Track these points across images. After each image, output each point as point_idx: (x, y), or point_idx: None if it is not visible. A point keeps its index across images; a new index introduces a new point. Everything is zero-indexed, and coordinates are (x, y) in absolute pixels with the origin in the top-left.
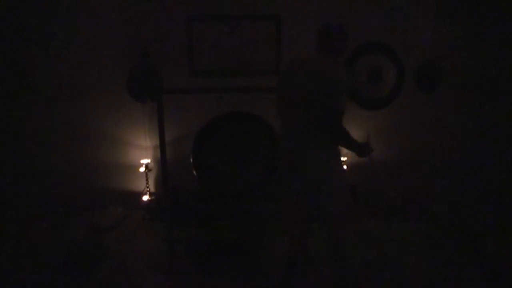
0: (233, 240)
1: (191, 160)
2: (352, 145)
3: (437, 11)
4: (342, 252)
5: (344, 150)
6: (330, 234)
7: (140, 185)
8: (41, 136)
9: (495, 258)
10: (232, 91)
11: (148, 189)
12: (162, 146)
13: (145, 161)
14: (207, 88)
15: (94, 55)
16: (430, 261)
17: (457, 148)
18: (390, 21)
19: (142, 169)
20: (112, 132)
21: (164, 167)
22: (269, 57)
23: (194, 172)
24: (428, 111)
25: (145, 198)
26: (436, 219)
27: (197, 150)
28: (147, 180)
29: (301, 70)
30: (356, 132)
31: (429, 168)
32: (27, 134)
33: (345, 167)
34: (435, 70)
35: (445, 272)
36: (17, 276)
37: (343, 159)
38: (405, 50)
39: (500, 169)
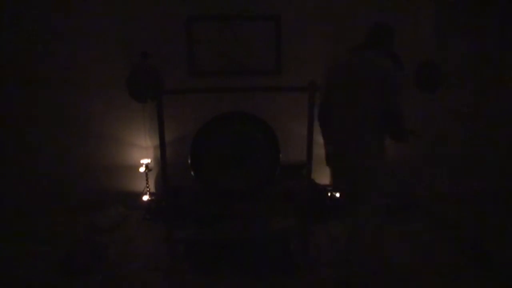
0: (233, 240)
1: (189, 161)
2: (402, 137)
3: (437, 11)
4: (358, 253)
5: None
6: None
7: (140, 185)
8: (42, 136)
9: (496, 259)
10: (232, 91)
11: (148, 189)
12: (162, 146)
13: (145, 161)
14: (207, 88)
15: (94, 55)
16: (430, 261)
17: (456, 148)
18: (390, 21)
19: (142, 169)
20: (112, 132)
21: (164, 167)
22: (269, 57)
23: (192, 173)
24: (428, 111)
25: (145, 198)
26: (435, 219)
27: (196, 150)
28: (147, 180)
29: (351, 61)
30: None
31: (429, 168)
32: (27, 134)
33: None
34: (435, 70)
35: (445, 272)
36: (17, 276)
37: None
38: (405, 50)
39: (500, 169)
